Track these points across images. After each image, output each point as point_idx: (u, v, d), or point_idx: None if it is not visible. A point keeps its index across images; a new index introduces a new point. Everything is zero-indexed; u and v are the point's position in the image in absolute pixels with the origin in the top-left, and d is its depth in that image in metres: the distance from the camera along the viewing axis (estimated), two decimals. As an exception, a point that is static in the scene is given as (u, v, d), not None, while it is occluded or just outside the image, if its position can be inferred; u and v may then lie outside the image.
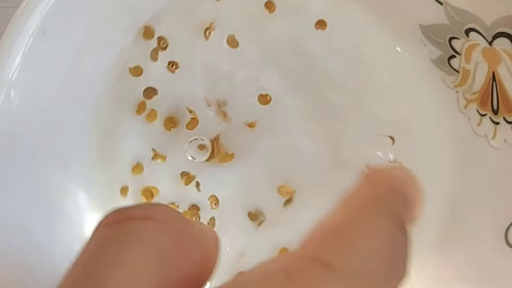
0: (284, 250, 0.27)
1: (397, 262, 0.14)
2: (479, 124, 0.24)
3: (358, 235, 0.14)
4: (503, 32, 0.21)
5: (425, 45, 0.25)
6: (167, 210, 0.14)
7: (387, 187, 0.16)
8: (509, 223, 0.23)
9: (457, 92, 0.25)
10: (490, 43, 0.22)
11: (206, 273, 0.14)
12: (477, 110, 0.24)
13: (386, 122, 0.26)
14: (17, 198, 0.21)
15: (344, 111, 0.27)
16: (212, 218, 0.28)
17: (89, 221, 0.26)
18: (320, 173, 0.27)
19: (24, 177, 0.21)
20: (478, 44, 0.23)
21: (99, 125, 0.26)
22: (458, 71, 0.24)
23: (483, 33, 0.22)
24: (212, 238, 0.15)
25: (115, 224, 0.13)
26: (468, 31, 0.23)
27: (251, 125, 0.27)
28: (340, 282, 0.12)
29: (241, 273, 0.13)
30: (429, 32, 0.24)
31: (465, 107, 0.25)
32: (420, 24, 0.24)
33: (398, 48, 0.25)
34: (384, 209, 0.15)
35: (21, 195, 0.21)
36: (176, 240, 0.13)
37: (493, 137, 0.24)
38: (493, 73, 0.23)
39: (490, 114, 0.24)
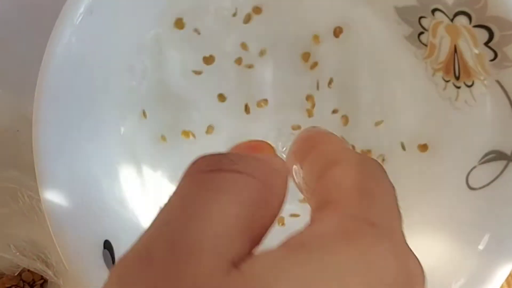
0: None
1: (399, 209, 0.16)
2: (444, 89, 0.29)
3: (380, 193, 0.15)
4: (462, 11, 0.26)
5: (399, 24, 0.29)
6: (254, 162, 0.15)
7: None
8: (469, 169, 0.28)
9: (426, 63, 0.29)
10: (452, 20, 0.26)
11: (276, 218, 0.15)
12: (442, 77, 0.29)
13: (366, 88, 0.32)
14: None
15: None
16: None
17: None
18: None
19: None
20: (442, 22, 0.27)
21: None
22: (426, 45, 0.29)
23: (446, 12, 0.26)
24: (283, 180, 0.16)
25: (208, 172, 0.14)
26: (434, 11, 0.27)
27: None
28: (385, 239, 0.14)
29: (295, 235, 0.14)
30: (402, 13, 0.29)
31: (433, 75, 0.29)
32: (395, 6, 0.29)
33: (377, 27, 0.30)
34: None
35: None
36: (259, 194, 0.15)
37: (456, 99, 0.29)
38: (455, 45, 0.27)
39: (453, 80, 0.29)
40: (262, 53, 0.32)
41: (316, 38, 0.32)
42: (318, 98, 0.33)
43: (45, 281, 0.37)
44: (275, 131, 0.33)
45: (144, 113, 0.31)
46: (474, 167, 0.28)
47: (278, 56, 0.32)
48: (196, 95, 0.32)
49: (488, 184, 0.27)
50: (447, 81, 0.29)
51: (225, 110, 0.33)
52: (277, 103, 0.33)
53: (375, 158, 0.32)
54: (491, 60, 0.26)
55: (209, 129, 0.33)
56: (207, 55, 0.32)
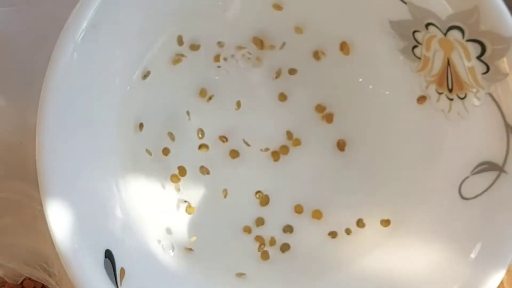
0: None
1: None
2: (437, 101, 0.30)
3: None
4: (455, 26, 0.26)
5: (394, 37, 0.30)
6: None
7: None
8: (462, 179, 0.29)
9: (420, 75, 0.30)
10: (445, 34, 0.27)
11: None
12: (436, 90, 0.30)
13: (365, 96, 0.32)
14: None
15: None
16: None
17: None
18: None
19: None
20: (435, 36, 0.28)
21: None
22: (420, 58, 0.29)
23: (439, 26, 0.27)
24: None
25: None
26: (427, 25, 0.27)
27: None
28: None
29: None
30: (396, 26, 0.29)
31: (426, 87, 0.30)
32: (389, 20, 0.29)
33: (372, 41, 0.31)
34: None
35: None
36: None
37: (449, 111, 0.29)
38: (448, 59, 0.28)
39: (446, 92, 0.29)
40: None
41: (316, 54, 0.33)
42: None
43: (46, 289, 0.37)
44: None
45: (141, 126, 0.32)
46: (467, 178, 0.29)
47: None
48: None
49: (480, 194, 0.28)
50: (440, 93, 0.29)
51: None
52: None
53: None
54: (484, 73, 0.27)
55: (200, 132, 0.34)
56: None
